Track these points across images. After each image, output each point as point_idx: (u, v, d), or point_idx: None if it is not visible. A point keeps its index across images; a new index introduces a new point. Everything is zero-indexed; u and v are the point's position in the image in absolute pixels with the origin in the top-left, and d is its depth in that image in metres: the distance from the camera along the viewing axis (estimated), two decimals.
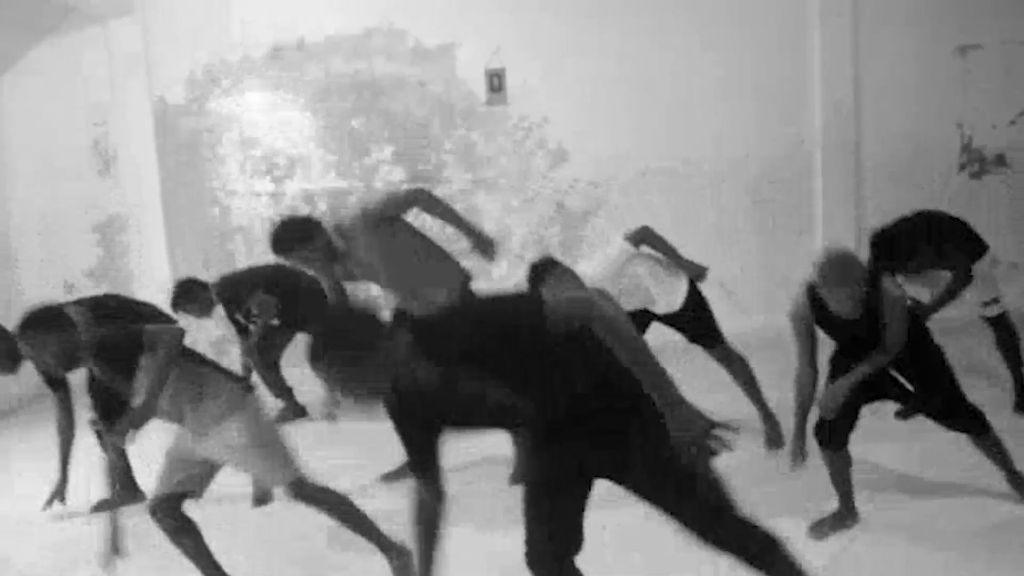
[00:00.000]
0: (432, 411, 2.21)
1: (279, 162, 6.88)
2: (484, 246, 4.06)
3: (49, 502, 4.32)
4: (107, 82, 6.73)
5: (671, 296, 4.33)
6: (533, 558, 2.43)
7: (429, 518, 2.36)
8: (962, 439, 4.47)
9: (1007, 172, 6.87)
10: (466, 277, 4.20)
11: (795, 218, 6.85)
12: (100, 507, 4.36)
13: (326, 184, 6.87)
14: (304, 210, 6.88)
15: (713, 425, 2.13)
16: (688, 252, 4.54)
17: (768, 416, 4.53)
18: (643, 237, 4.28)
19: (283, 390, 5.77)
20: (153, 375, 3.07)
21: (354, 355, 1.98)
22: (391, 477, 4.40)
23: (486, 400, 2.15)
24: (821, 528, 3.52)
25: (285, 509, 4.25)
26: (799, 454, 3.48)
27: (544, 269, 3.92)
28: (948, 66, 6.73)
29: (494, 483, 4.29)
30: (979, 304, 4.73)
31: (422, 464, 2.31)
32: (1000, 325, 4.80)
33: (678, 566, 3.30)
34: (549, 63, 6.66)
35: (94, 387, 3.35)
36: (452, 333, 2.09)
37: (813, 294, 3.40)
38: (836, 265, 3.20)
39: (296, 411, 5.74)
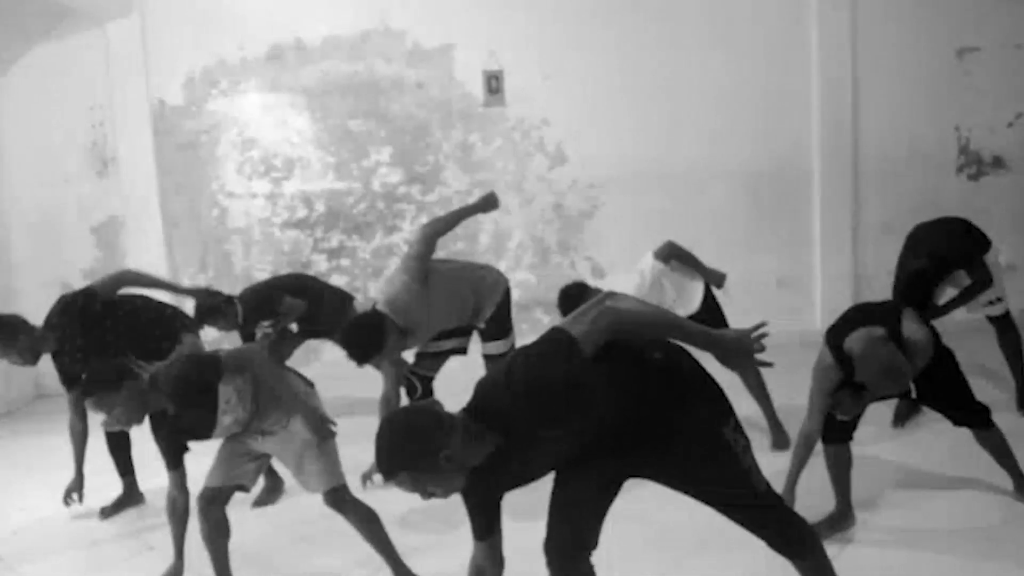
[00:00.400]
0: (498, 480, 2.27)
1: (277, 163, 6.88)
2: (488, 206, 4.33)
3: (67, 496, 4.27)
4: (105, 84, 6.73)
5: (690, 300, 4.53)
6: (552, 546, 2.48)
7: None
8: (960, 439, 4.47)
9: (1005, 174, 6.89)
10: (505, 279, 4.42)
11: (793, 220, 6.86)
12: (106, 511, 4.36)
13: (325, 185, 6.86)
14: (302, 212, 6.88)
15: (750, 333, 2.26)
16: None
17: (774, 419, 4.67)
18: (670, 253, 4.47)
19: None
20: (248, 395, 3.10)
21: (425, 464, 2.06)
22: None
23: (550, 451, 2.22)
24: (819, 530, 3.52)
25: (286, 511, 4.27)
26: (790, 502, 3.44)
27: (576, 294, 4.08)
28: (946, 68, 6.75)
29: None
30: (983, 303, 4.73)
31: (486, 531, 2.37)
32: (1003, 324, 4.81)
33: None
34: (547, 65, 6.67)
35: (162, 428, 3.16)
36: (505, 406, 2.15)
37: (839, 352, 3.36)
38: (880, 367, 3.20)
39: None
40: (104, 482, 4.43)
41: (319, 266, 6.87)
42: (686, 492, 2.41)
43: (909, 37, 6.70)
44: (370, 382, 6.48)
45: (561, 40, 6.62)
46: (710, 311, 4.55)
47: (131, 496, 4.42)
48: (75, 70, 6.74)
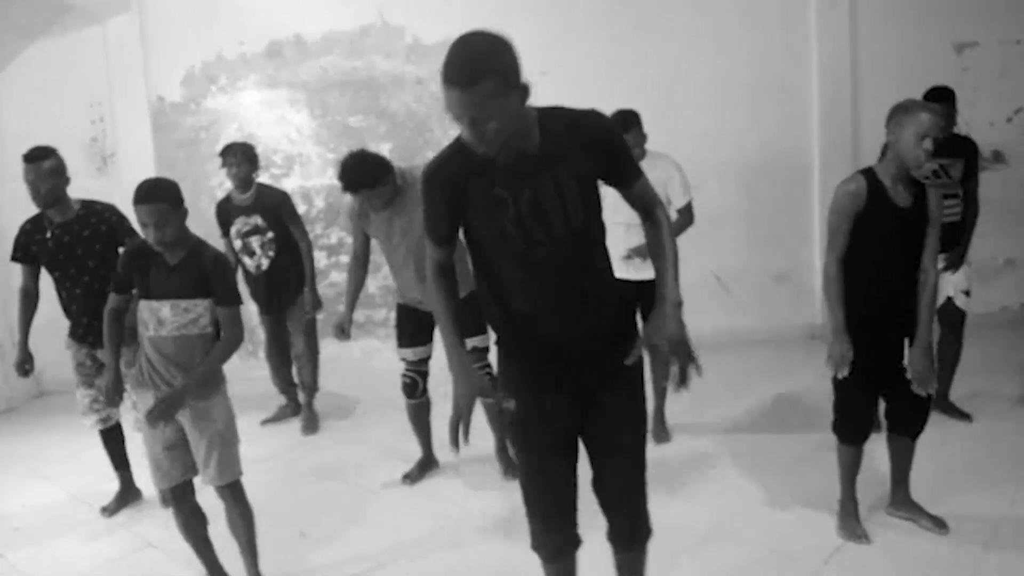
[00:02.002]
0: (488, 187, 2.15)
1: (277, 160, 6.88)
2: None
3: (19, 369, 4.18)
4: (104, 80, 6.73)
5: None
6: (536, 527, 2.48)
7: (448, 280, 2.35)
8: (960, 434, 4.50)
9: (1005, 168, 6.90)
10: None
11: (792, 215, 6.86)
12: (108, 509, 4.35)
13: (324, 181, 6.86)
14: (302, 208, 6.88)
15: (689, 350, 2.24)
16: (685, 250, 4.55)
17: (661, 413, 4.76)
18: (688, 208, 4.60)
19: (289, 385, 5.70)
20: (216, 359, 3.08)
21: (510, 79, 2.05)
22: (413, 477, 4.51)
23: (537, 211, 2.15)
24: (840, 533, 3.51)
25: (280, 507, 4.28)
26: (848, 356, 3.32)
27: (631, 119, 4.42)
28: (945, 63, 6.75)
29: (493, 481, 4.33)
30: (958, 288, 4.58)
31: (448, 237, 2.29)
32: (957, 328, 4.62)
33: None
34: (545, 60, 6.65)
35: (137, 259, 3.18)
36: (576, 121, 2.18)
37: (874, 181, 3.35)
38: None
39: (294, 409, 5.71)
40: (105, 477, 4.46)
41: (319, 262, 6.87)
42: (603, 441, 2.40)
43: (908, 32, 6.70)
44: (373, 382, 6.51)
45: (559, 36, 6.62)
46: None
47: (129, 491, 4.43)
48: (74, 67, 6.74)
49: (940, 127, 3.20)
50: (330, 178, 6.86)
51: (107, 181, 6.90)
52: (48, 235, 4.14)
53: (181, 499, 3.21)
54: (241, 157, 5.26)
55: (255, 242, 5.29)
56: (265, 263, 5.30)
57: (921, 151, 3.16)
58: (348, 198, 4.22)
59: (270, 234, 5.26)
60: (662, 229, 2.30)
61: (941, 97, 4.40)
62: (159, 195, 3.02)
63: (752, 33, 6.69)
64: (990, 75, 6.81)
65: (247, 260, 5.33)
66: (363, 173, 3.98)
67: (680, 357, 2.23)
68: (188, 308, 3.08)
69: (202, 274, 3.08)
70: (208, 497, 3.29)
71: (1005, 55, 6.80)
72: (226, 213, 5.38)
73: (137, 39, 6.66)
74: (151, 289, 3.10)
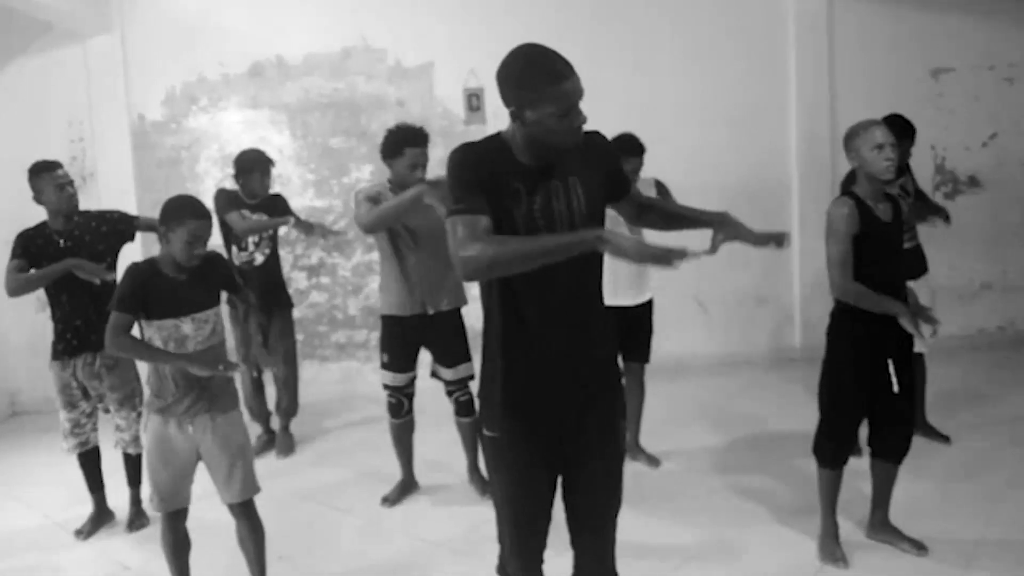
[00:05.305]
0: (512, 172, 2.28)
1: None
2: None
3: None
4: (85, 99, 6.70)
5: (640, 293, 4.57)
6: (506, 559, 2.48)
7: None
8: (940, 460, 4.52)
9: (980, 192, 7.00)
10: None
11: None
12: (82, 531, 4.29)
13: (305, 202, 6.84)
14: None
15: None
16: (665, 274, 4.57)
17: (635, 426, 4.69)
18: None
19: (264, 414, 5.49)
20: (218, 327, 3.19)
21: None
22: (392, 499, 4.48)
23: (539, 211, 2.26)
24: (821, 555, 3.51)
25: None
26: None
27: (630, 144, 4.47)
28: (921, 89, 6.86)
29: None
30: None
31: (480, 208, 2.21)
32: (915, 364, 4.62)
33: None
34: None
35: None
36: (588, 141, 2.37)
37: (860, 202, 3.44)
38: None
39: (269, 440, 5.47)
40: (79, 499, 4.41)
41: (299, 283, 6.85)
42: (579, 480, 2.39)
43: (885, 57, 6.80)
44: (353, 403, 6.48)
45: None
46: (647, 319, 4.64)
47: (103, 513, 4.38)
48: (55, 85, 6.71)
49: (891, 137, 3.32)
50: (311, 199, 6.85)
51: (86, 200, 6.80)
52: (61, 244, 4.18)
53: (176, 524, 3.23)
54: (266, 170, 5.33)
55: (250, 237, 5.23)
56: (260, 259, 5.26)
57: (881, 159, 3.30)
58: (365, 189, 4.42)
59: (270, 231, 5.26)
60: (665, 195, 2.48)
61: (892, 121, 4.50)
62: (207, 209, 3.17)
63: (732, 57, 6.76)
64: (965, 100, 6.92)
65: (235, 252, 5.27)
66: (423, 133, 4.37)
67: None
68: (207, 319, 3.13)
69: (213, 279, 3.18)
70: (188, 522, 3.27)
71: (980, 81, 6.91)
72: (229, 202, 5.27)
73: (119, 59, 6.65)
74: (168, 308, 3.10)
